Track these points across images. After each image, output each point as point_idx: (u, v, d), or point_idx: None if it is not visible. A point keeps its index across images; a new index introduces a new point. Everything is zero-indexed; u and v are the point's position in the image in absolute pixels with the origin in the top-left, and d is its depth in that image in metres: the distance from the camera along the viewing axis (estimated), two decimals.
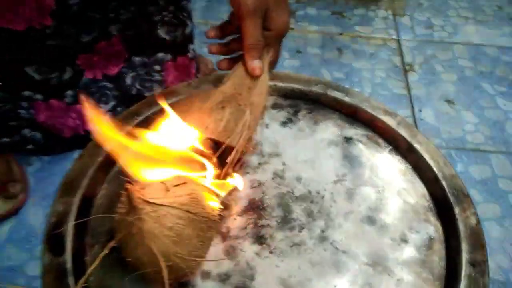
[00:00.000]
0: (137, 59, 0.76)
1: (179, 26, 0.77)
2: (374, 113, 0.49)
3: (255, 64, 0.45)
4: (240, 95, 0.43)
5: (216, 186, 0.39)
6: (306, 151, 0.47)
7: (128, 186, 0.32)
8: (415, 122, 1.08)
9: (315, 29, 1.33)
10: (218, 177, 0.40)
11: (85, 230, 0.39)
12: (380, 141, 0.49)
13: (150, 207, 0.32)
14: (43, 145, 0.79)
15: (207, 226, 0.35)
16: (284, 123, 0.50)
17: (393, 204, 0.43)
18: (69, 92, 0.73)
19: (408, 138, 0.47)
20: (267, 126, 0.50)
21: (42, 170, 0.88)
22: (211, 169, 0.39)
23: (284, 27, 0.47)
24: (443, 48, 1.30)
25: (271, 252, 0.39)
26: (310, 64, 1.22)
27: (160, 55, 0.78)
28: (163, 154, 0.37)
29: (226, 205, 0.41)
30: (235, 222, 0.41)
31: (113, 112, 0.79)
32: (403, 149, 0.47)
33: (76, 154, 0.45)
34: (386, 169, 0.46)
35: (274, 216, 0.41)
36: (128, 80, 0.77)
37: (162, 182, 0.34)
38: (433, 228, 0.41)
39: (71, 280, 0.35)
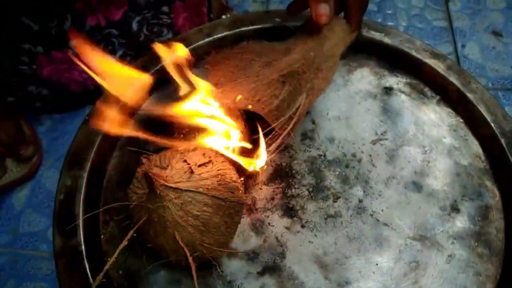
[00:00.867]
0: None
1: None
2: (419, 56, 0.42)
3: (321, 10, 0.35)
4: (304, 74, 0.36)
5: (245, 162, 0.34)
6: (339, 106, 0.41)
7: (146, 164, 0.27)
8: (458, 59, 0.98)
9: None
10: (247, 154, 0.35)
11: (97, 205, 0.36)
12: (426, 90, 0.43)
13: (173, 193, 0.28)
14: (52, 102, 0.77)
15: (235, 211, 0.31)
16: None
17: (442, 166, 0.38)
18: None
19: (460, 86, 0.41)
20: None
21: (54, 129, 0.85)
22: (238, 141, 0.34)
23: None
24: None
25: (303, 226, 0.35)
26: None
27: None
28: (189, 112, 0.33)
29: (250, 173, 0.36)
30: (261, 193, 0.36)
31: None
32: (454, 100, 0.41)
33: (88, 110, 0.40)
34: (433, 124, 0.40)
35: (304, 185, 0.37)
36: (135, 26, 0.71)
37: (185, 162, 0.30)
38: (489, 195, 0.36)
39: (86, 265, 0.32)
